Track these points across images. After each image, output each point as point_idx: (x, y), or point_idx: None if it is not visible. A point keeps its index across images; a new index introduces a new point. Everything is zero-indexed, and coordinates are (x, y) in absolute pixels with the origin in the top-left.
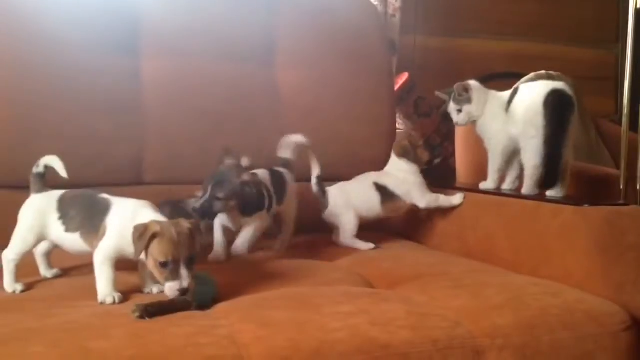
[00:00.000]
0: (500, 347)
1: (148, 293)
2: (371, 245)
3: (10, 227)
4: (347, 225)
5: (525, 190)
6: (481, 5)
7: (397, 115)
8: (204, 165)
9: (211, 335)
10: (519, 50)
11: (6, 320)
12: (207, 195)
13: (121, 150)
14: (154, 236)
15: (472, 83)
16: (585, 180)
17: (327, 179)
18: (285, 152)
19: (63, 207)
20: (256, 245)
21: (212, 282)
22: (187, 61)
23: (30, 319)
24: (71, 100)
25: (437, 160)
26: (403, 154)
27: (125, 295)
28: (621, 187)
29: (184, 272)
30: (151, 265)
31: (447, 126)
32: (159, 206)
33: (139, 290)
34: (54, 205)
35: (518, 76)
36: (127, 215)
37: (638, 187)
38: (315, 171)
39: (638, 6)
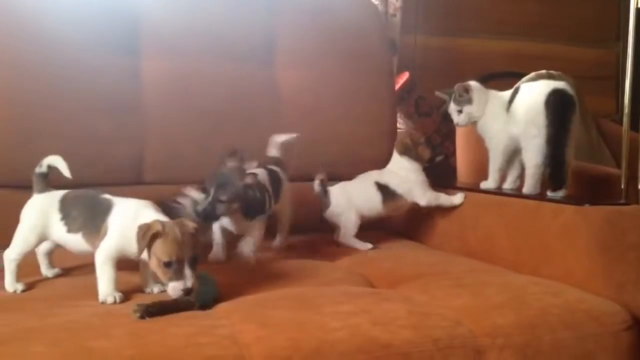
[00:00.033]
0: (501, 347)
1: (149, 293)
2: (369, 246)
3: (10, 226)
4: (348, 225)
5: (526, 189)
6: (481, 5)
7: (398, 115)
8: (204, 164)
9: (212, 335)
10: (519, 49)
11: (7, 320)
12: (210, 198)
13: (121, 149)
14: (155, 235)
15: (473, 84)
16: (586, 179)
17: (328, 178)
18: (275, 151)
19: (65, 208)
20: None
21: (213, 282)
22: (187, 61)
23: (31, 319)
24: (71, 100)
25: (438, 158)
26: (404, 152)
27: (126, 295)
28: (622, 186)
29: (187, 272)
30: (154, 265)
31: (447, 126)
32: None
33: (140, 290)
34: (55, 205)
35: (518, 76)
36: (128, 215)
37: (639, 187)
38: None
39: (639, 5)
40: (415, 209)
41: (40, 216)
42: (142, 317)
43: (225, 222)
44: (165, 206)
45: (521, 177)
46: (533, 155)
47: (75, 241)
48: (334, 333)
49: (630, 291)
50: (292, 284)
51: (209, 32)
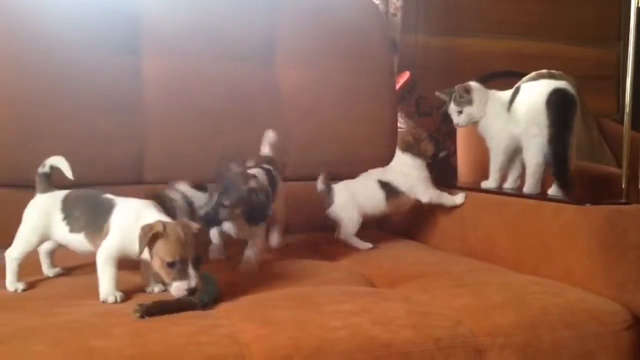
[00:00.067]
0: (501, 346)
1: (150, 292)
2: (369, 245)
3: (10, 225)
4: (349, 223)
5: (526, 189)
6: (482, 4)
7: (398, 115)
8: (204, 164)
9: (212, 334)
10: (519, 49)
11: (8, 319)
12: (213, 202)
13: (121, 149)
14: (156, 236)
15: (473, 84)
16: (587, 179)
17: (329, 178)
18: (267, 149)
19: (67, 208)
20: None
21: (214, 281)
22: (187, 60)
23: (32, 318)
24: (71, 99)
25: (442, 154)
26: (407, 149)
27: (127, 294)
28: (623, 186)
29: (191, 271)
30: (158, 265)
31: (448, 125)
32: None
33: (141, 289)
34: (58, 205)
35: (519, 75)
36: (130, 215)
37: None
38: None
39: (639, 4)
40: (416, 208)
41: (43, 216)
42: (141, 317)
43: (226, 227)
44: (160, 197)
45: (522, 176)
46: (534, 155)
47: (78, 241)
48: (334, 332)
49: (631, 290)
50: (293, 284)
51: (209, 32)
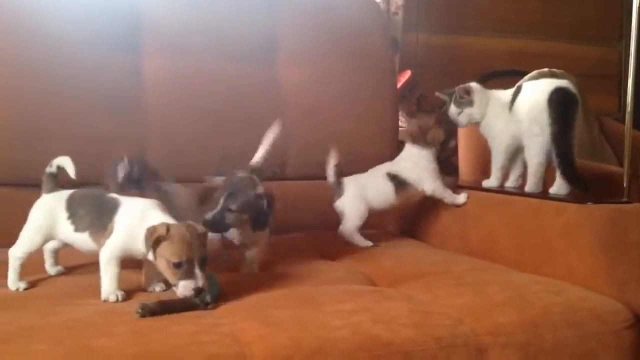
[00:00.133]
0: (503, 345)
1: (151, 292)
2: (370, 243)
3: (11, 224)
4: (354, 216)
5: (528, 188)
6: (483, 3)
7: (400, 113)
8: (204, 163)
9: (214, 333)
10: (521, 47)
11: (9, 318)
12: (219, 207)
13: (122, 148)
14: (159, 239)
15: (474, 85)
16: (588, 178)
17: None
18: (261, 152)
19: (72, 207)
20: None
21: (215, 281)
22: (188, 59)
23: (34, 317)
24: (72, 98)
25: (452, 143)
26: (414, 140)
27: (129, 293)
28: (624, 184)
29: (198, 272)
30: (163, 267)
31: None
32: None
33: (142, 288)
34: (62, 204)
35: (520, 74)
36: (135, 215)
37: None
38: (332, 161)
39: None
40: (417, 207)
41: (48, 216)
42: (142, 316)
43: (229, 232)
44: (155, 186)
45: (523, 175)
46: (535, 154)
47: (82, 240)
48: (335, 331)
49: (632, 289)
50: (293, 283)
51: (210, 31)
